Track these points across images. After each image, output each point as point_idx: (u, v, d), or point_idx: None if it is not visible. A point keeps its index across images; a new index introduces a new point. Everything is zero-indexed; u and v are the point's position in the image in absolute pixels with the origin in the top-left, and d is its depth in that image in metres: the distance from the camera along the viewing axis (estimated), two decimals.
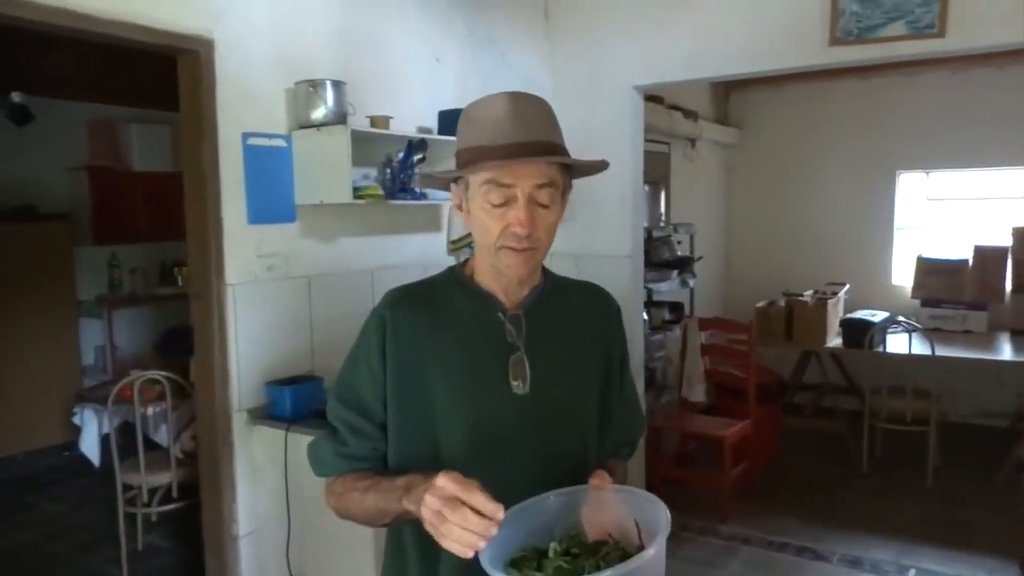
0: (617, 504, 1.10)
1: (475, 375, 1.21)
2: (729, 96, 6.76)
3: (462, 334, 1.22)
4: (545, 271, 1.30)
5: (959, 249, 5.75)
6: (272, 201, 2.84)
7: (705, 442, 4.63)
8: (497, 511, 0.95)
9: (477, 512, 0.95)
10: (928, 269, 5.75)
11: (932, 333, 4.91)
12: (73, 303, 5.72)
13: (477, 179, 1.15)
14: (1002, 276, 5.52)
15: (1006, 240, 5.56)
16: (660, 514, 1.03)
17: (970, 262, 5.62)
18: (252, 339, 2.80)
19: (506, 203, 1.14)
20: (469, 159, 1.16)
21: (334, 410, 1.25)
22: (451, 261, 3.60)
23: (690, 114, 5.72)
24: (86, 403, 4.06)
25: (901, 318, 5.10)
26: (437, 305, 1.24)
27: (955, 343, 5.03)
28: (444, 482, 0.97)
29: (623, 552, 1.05)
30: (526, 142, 1.13)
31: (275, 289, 2.89)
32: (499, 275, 1.21)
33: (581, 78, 4.11)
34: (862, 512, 4.27)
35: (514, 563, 1.04)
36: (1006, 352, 4.96)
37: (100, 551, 3.95)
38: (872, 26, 3.26)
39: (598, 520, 1.10)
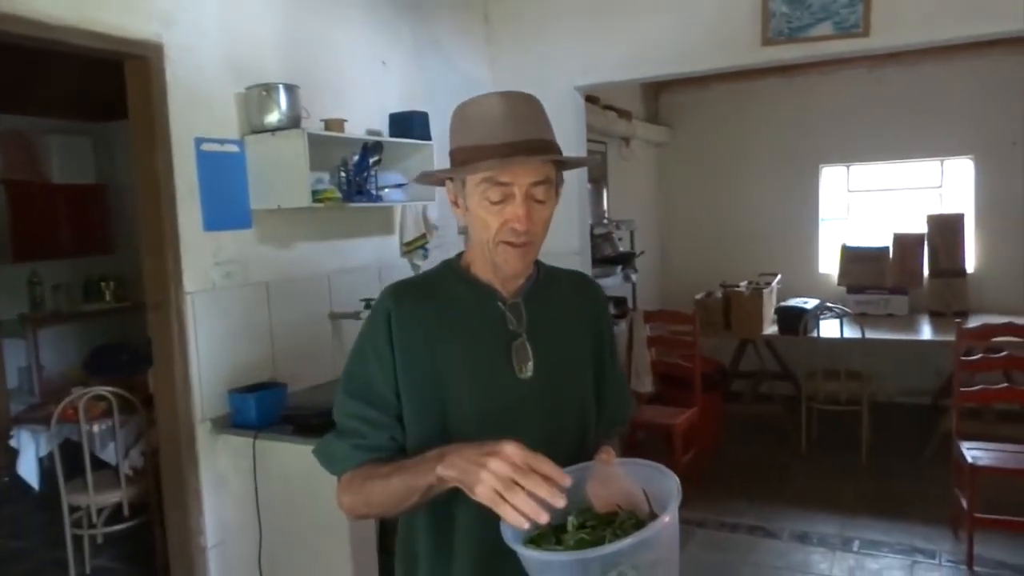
0: (623, 477, 1.15)
1: (481, 363, 1.24)
2: (659, 96, 6.95)
3: (464, 323, 1.26)
4: (537, 261, 1.35)
5: (879, 237, 6.07)
6: (228, 207, 2.80)
7: (654, 431, 4.75)
8: (565, 478, 0.99)
9: (547, 479, 0.98)
10: (852, 257, 6.07)
11: (859, 318, 5.18)
12: None
13: (475, 177, 1.19)
14: (920, 261, 5.86)
15: (922, 227, 5.91)
16: (670, 482, 1.08)
17: (890, 249, 5.96)
18: (212, 347, 2.76)
19: (504, 200, 1.18)
20: (466, 158, 1.19)
21: (345, 406, 1.24)
22: (405, 263, 3.65)
23: (624, 114, 5.85)
24: (22, 425, 3.89)
25: (830, 304, 5.35)
26: (437, 296, 1.28)
27: (880, 326, 5.31)
28: (514, 450, 1.00)
29: (636, 520, 1.10)
30: (522, 141, 1.17)
31: (234, 296, 2.85)
32: (496, 268, 1.25)
33: (523, 79, 4.14)
34: (805, 490, 4.47)
35: (533, 540, 1.07)
36: (926, 332, 5.28)
37: None
38: (802, 26, 3.44)
39: (605, 494, 1.14)
